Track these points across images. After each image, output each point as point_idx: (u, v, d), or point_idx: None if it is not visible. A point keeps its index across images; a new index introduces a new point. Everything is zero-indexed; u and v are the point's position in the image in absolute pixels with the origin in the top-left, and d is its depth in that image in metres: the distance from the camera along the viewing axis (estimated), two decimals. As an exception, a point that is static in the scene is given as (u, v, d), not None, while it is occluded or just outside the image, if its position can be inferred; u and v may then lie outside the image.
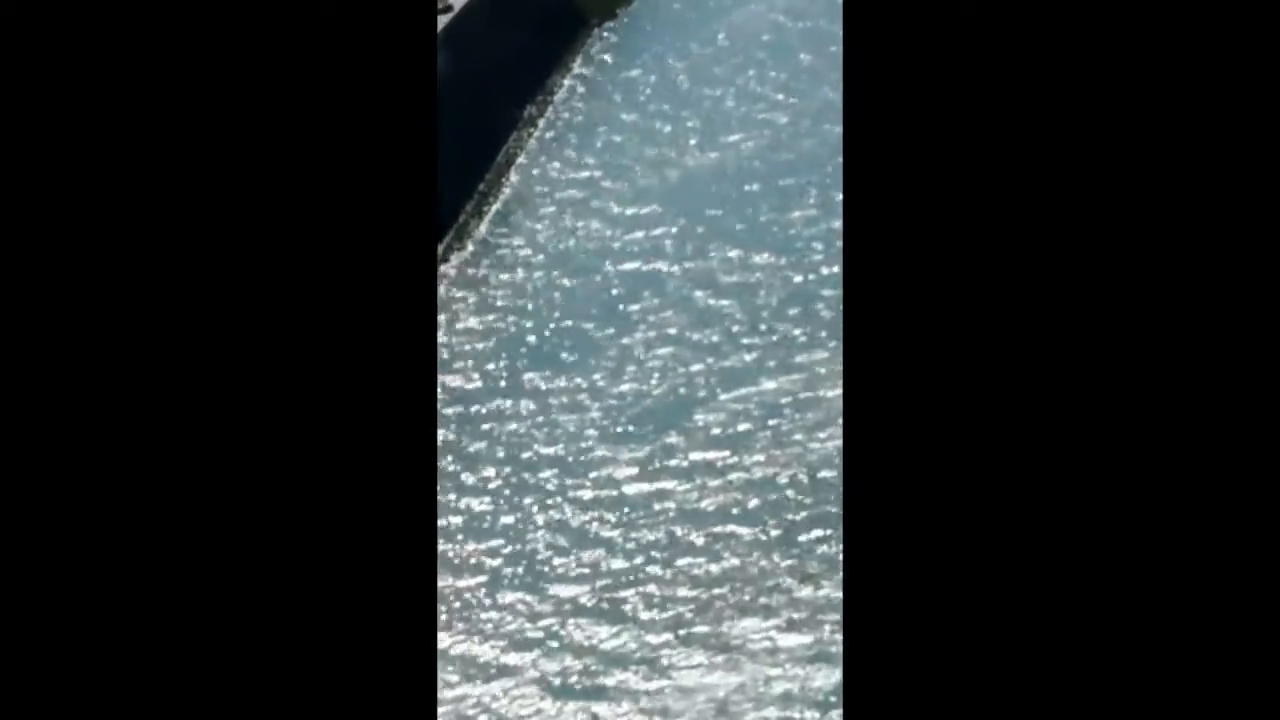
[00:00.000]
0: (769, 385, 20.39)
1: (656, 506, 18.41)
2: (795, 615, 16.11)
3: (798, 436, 19.08)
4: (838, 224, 23.85)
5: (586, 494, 18.91)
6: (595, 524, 18.31)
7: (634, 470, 19.17)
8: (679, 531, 17.82)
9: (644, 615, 16.68)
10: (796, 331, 21.42)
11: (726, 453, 19.07)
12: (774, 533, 17.41)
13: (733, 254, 24.01)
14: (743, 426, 19.54)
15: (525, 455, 19.88)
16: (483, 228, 26.78)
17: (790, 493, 18.03)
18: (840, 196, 24.80)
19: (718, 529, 17.74)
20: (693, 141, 28.53)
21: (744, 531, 17.59)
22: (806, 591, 16.44)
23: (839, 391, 19.78)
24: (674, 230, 25.29)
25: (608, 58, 33.74)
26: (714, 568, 17.16)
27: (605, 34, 34.76)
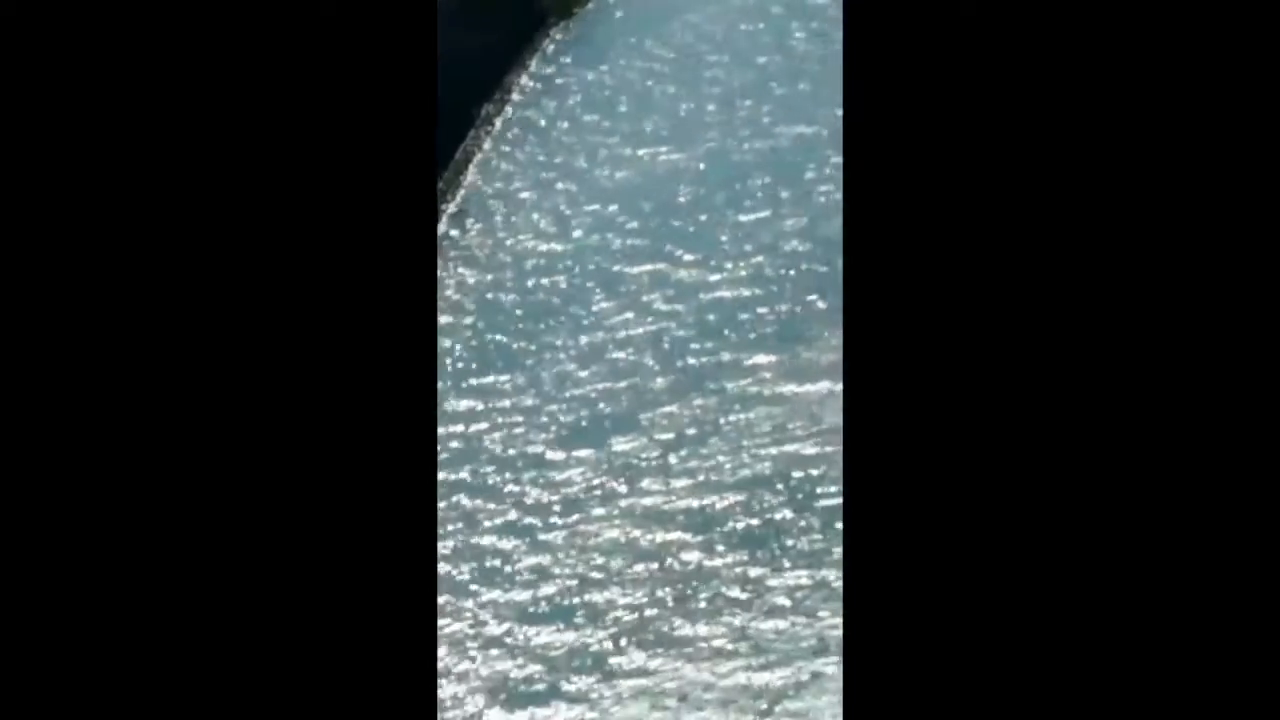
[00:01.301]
0: (721, 388, 20.46)
1: (607, 509, 18.47)
2: (742, 619, 16.20)
3: (745, 441, 19.15)
4: (789, 224, 23.93)
5: (536, 496, 18.96)
6: (543, 527, 18.36)
7: (584, 471, 19.22)
8: (629, 534, 17.90)
9: (591, 620, 16.75)
10: (750, 335, 21.49)
11: (679, 455, 19.14)
12: (724, 537, 17.48)
13: (686, 256, 24.06)
14: (691, 431, 19.61)
15: (479, 456, 19.92)
16: (440, 227, 26.80)
17: (740, 496, 18.11)
18: (786, 194, 24.88)
19: (668, 534, 17.81)
20: (648, 143, 28.55)
21: (692, 537, 17.67)
22: (755, 594, 16.53)
23: (791, 391, 19.88)
24: (628, 232, 25.33)
25: (566, 57, 33.71)
26: (663, 571, 17.24)
27: (563, 32, 34.75)
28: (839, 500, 17.58)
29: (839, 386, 19.71)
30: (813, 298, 21.91)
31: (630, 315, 22.66)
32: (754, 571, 16.88)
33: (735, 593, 16.58)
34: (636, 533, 17.91)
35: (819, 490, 17.89)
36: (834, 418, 19.15)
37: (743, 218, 24.84)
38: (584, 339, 22.31)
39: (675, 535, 17.73)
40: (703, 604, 16.52)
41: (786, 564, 16.85)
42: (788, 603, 16.25)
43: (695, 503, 18.19)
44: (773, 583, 16.65)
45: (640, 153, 28.22)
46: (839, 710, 14.75)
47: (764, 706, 15.13)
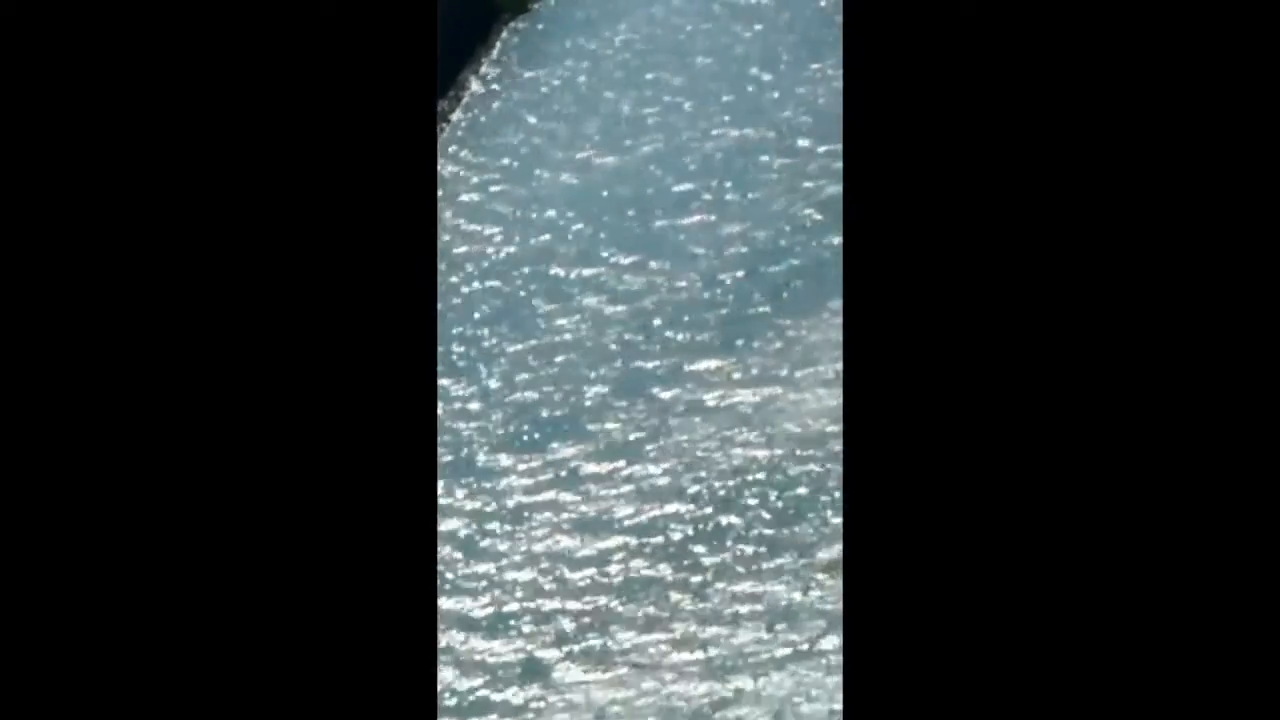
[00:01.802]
0: (664, 394, 20.37)
1: (548, 517, 18.35)
2: (683, 629, 16.11)
3: (688, 448, 19.06)
4: (732, 228, 23.87)
5: (477, 504, 18.81)
6: (483, 535, 18.22)
7: (527, 480, 19.10)
8: (570, 542, 17.78)
9: (533, 629, 16.62)
10: (693, 340, 21.41)
11: (622, 462, 19.04)
12: (666, 545, 17.39)
13: (628, 260, 23.96)
14: (634, 436, 19.50)
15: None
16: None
17: (683, 504, 18.02)
18: (730, 198, 24.83)
19: (609, 542, 17.71)
20: (590, 145, 28.45)
21: (634, 541, 17.57)
22: (697, 604, 16.44)
23: (735, 397, 19.81)
24: (571, 235, 25.22)
25: (515, 55, 33.62)
26: (604, 580, 17.13)
27: (516, 30, 34.63)
28: (783, 506, 17.51)
29: (782, 391, 19.66)
30: (756, 302, 21.84)
31: (572, 320, 22.54)
32: (696, 579, 16.78)
33: (677, 601, 16.47)
34: (578, 541, 17.79)
35: (764, 497, 17.81)
36: (779, 423, 19.09)
37: (685, 220, 24.76)
38: (526, 344, 22.18)
39: (617, 543, 17.62)
40: (644, 613, 16.40)
41: (729, 573, 16.76)
42: (730, 612, 16.16)
43: (637, 510, 18.08)
44: (716, 591, 16.55)
45: (582, 155, 28.11)
46: (782, 721, 14.69)
47: (706, 714, 15.03)
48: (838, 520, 16.98)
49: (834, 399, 19.14)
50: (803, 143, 26.05)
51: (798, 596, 16.09)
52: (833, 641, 15.25)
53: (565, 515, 18.25)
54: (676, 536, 17.49)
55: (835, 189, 24.29)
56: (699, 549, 17.21)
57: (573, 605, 16.77)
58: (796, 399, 19.37)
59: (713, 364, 20.72)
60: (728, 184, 25.50)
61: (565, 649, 16.18)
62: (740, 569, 16.71)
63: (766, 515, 17.48)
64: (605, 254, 24.28)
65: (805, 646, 15.38)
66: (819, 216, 23.55)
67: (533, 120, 30.08)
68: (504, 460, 19.53)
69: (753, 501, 17.76)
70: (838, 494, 17.45)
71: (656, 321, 22.04)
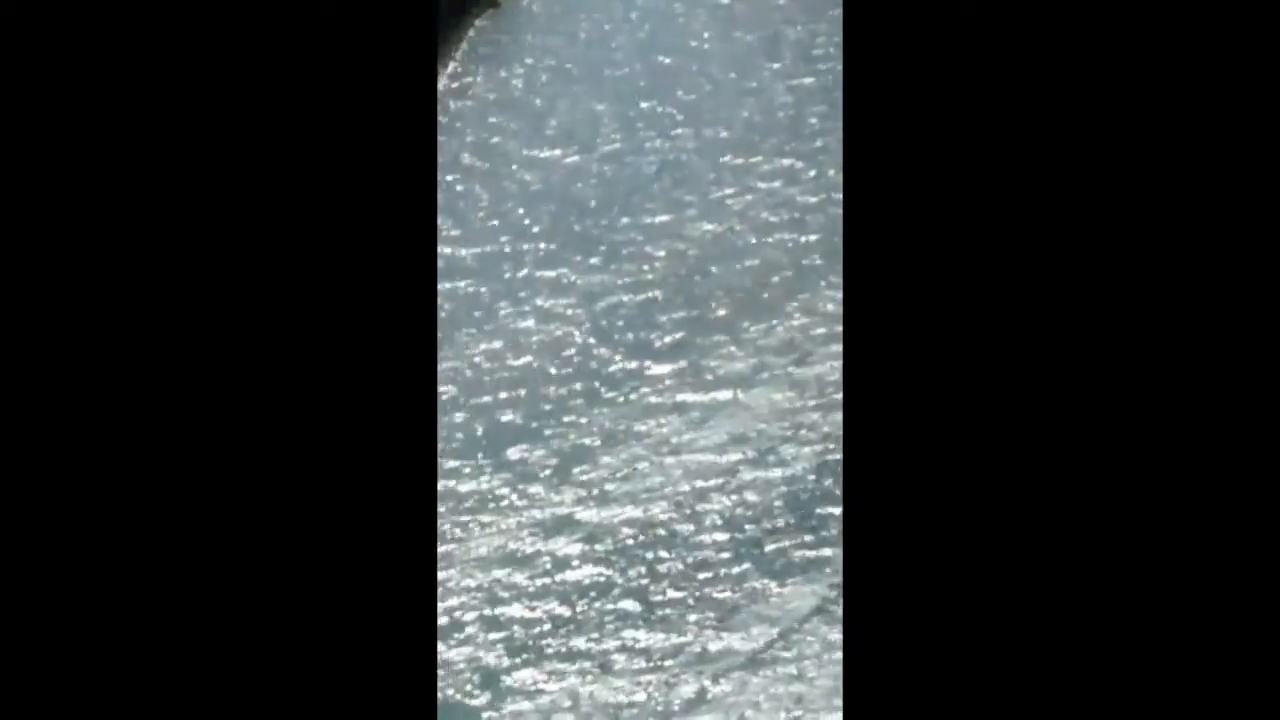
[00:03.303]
0: (621, 397, 20.35)
1: (503, 520, 18.30)
2: (636, 633, 16.11)
3: (645, 451, 19.03)
4: (690, 229, 23.84)
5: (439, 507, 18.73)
6: (440, 539, 18.15)
7: (481, 482, 19.04)
8: (526, 546, 17.74)
9: (485, 634, 16.59)
10: (651, 343, 21.37)
11: (579, 466, 19.01)
12: (621, 549, 17.36)
13: (587, 261, 23.92)
14: (589, 440, 19.47)
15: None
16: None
17: (638, 509, 17.99)
18: (689, 198, 24.79)
19: (565, 546, 17.66)
20: (551, 144, 28.38)
21: (590, 549, 17.53)
22: (646, 609, 16.43)
23: (692, 400, 19.79)
24: (530, 236, 25.15)
25: (480, 50, 33.52)
26: (559, 585, 17.10)
27: (482, 26, 34.51)
28: (740, 511, 17.51)
29: (739, 394, 19.65)
30: (714, 304, 21.83)
31: (531, 323, 22.50)
32: (651, 585, 16.76)
33: (630, 606, 16.45)
34: (534, 545, 17.74)
35: (719, 502, 17.80)
36: (734, 426, 19.09)
37: (645, 220, 24.74)
38: (483, 345, 22.12)
39: (573, 548, 17.58)
40: (599, 618, 16.38)
41: (684, 578, 16.74)
42: (686, 618, 16.15)
43: (593, 514, 18.05)
44: (670, 596, 16.54)
45: (543, 155, 28.06)
46: (733, 728, 14.68)
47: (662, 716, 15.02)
48: (790, 520, 17.01)
49: (788, 402, 19.16)
50: (761, 143, 26.05)
51: (749, 603, 16.10)
52: (787, 646, 15.27)
53: (520, 518, 18.21)
54: (632, 540, 17.47)
55: (793, 190, 24.32)
56: (653, 554, 17.20)
57: (528, 610, 16.73)
58: (752, 401, 19.38)
59: (671, 367, 20.71)
60: (687, 184, 25.49)
61: (520, 654, 16.14)
62: (695, 574, 16.70)
63: (723, 520, 17.48)
64: (565, 255, 24.24)
65: (765, 653, 15.40)
66: (774, 219, 23.55)
67: (495, 120, 30.01)
68: (459, 463, 19.47)
69: (708, 505, 17.76)
70: (794, 494, 17.48)
71: (616, 323, 22.01)
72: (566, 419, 19.95)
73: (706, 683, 15.18)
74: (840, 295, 20.88)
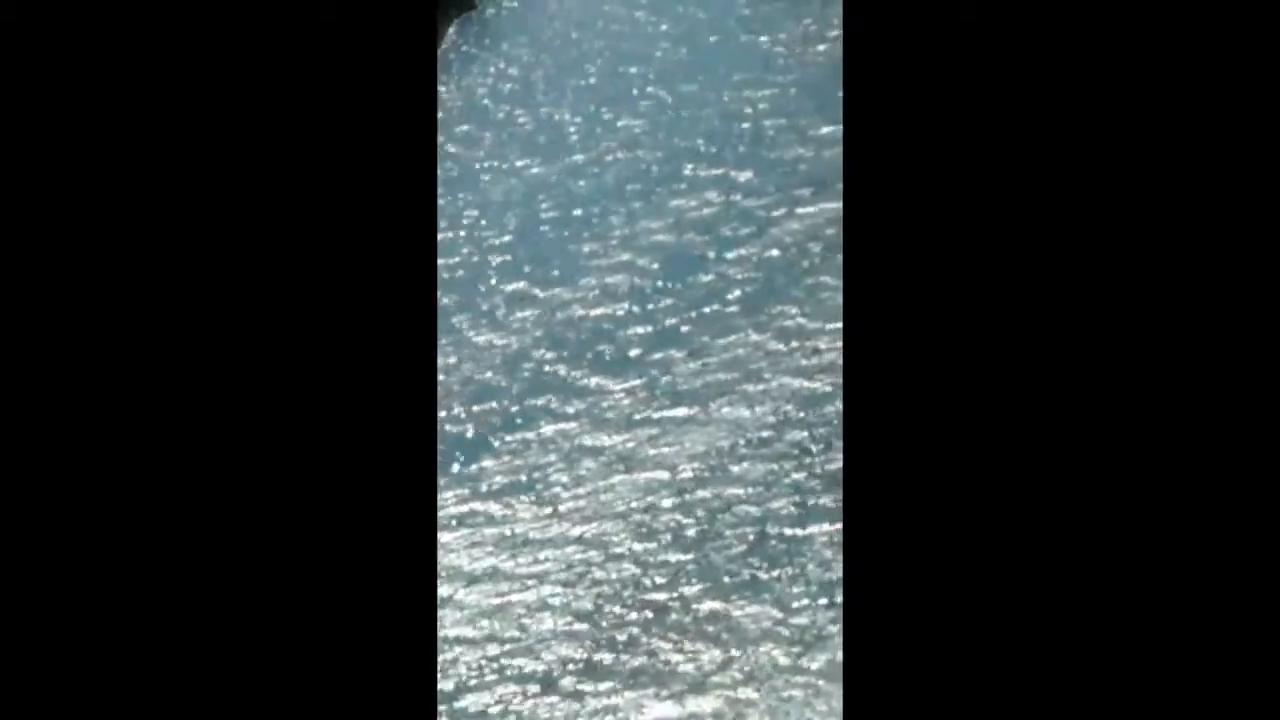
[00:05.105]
0: (581, 411, 20.25)
1: (456, 536, 18.19)
2: (588, 650, 16.00)
3: (603, 468, 18.91)
4: (653, 239, 23.74)
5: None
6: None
7: (438, 497, 18.91)
8: (478, 563, 17.65)
9: (440, 656, 16.45)
10: (611, 357, 21.28)
11: (537, 482, 18.90)
12: (577, 567, 17.27)
13: (548, 274, 23.83)
14: (549, 457, 19.36)
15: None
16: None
17: (597, 526, 17.90)
18: (651, 208, 24.68)
19: (518, 563, 17.56)
20: (514, 154, 28.30)
21: (545, 568, 17.43)
22: (601, 628, 16.32)
23: (651, 415, 19.68)
24: (491, 248, 25.06)
25: (450, 58, 33.45)
26: (508, 607, 17.00)
27: (451, 36, 34.44)
28: (700, 529, 17.39)
29: (697, 411, 19.54)
30: (675, 320, 21.71)
31: (491, 336, 22.38)
32: (607, 606, 16.66)
33: (581, 627, 16.34)
34: (488, 561, 17.64)
35: (678, 520, 17.69)
36: (693, 444, 18.98)
37: (607, 232, 24.63)
38: (443, 360, 22.00)
39: (529, 567, 17.47)
40: (552, 636, 16.27)
41: (643, 596, 16.64)
42: (640, 638, 16.04)
43: (549, 530, 17.95)
44: (630, 616, 16.44)
45: (505, 165, 27.95)
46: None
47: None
48: (745, 546, 16.90)
49: (748, 419, 19.05)
50: (726, 154, 25.94)
51: (704, 623, 16.00)
52: (741, 666, 15.18)
53: (473, 534, 18.10)
54: (589, 558, 17.37)
55: (759, 203, 24.23)
56: (602, 573, 17.09)
57: (478, 629, 16.63)
58: (708, 419, 19.26)
59: (631, 382, 20.60)
60: (652, 196, 25.38)
61: (471, 678, 16.03)
62: (655, 591, 16.59)
63: (683, 539, 17.37)
64: (525, 268, 24.13)
65: (718, 674, 15.31)
66: (744, 231, 23.45)
67: (459, 129, 29.90)
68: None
69: (663, 521, 17.64)
70: (749, 513, 17.38)
71: (579, 337, 21.90)
72: (523, 435, 19.83)
73: (671, 699, 15.07)
74: (801, 310, 20.78)
